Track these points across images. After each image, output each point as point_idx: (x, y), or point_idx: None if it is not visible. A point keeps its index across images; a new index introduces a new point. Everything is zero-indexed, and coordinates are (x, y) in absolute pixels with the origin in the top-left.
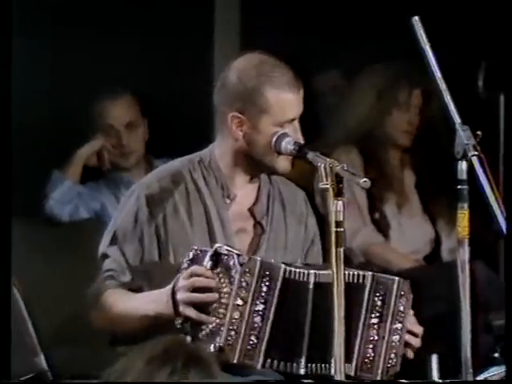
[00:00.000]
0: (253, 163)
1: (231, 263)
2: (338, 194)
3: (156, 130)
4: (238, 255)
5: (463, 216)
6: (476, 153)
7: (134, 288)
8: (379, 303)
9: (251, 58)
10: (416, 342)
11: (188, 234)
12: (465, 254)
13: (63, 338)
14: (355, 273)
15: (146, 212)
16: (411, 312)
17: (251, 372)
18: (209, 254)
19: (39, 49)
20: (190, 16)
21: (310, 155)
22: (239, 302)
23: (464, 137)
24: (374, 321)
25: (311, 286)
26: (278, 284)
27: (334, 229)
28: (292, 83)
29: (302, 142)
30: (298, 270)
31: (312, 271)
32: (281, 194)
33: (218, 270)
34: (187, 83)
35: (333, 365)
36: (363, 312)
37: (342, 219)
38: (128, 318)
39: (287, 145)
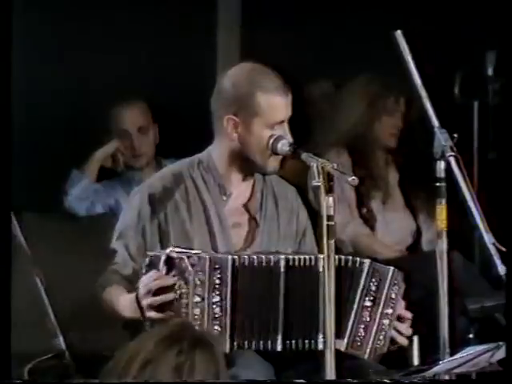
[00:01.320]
0: (246, 163)
1: (183, 265)
2: (329, 190)
3: (165, 134)
4: (189, 257)
5: (441, 210)
6: (453, 153)
7: (135, 281)
8: (374, 288)
9: (244, 66)
10: (405, 328)
11: (188, 229)
12: (443, 244)
13: (80, 321)
14: (356, 259)
15: (149, 209)
16: (402, 301)
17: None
18: (162, 259)
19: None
20: (196, 30)
21: (304, 156)
22: (197, 299)
23: (442, 139)
24: (368, 304)
25: (282, 270)
26: (228, 275)
27: (325, 222)
28: (281, 88)
29: (291, 142)
30: (254, 256)
31: (281, 256)
32: (273, 191)
33: (174, 272)
34: (193, 92)
35: (320, 340)
36: (359, 294)
37: (332, 214)
38: (120, 316)
39: (283, 146)
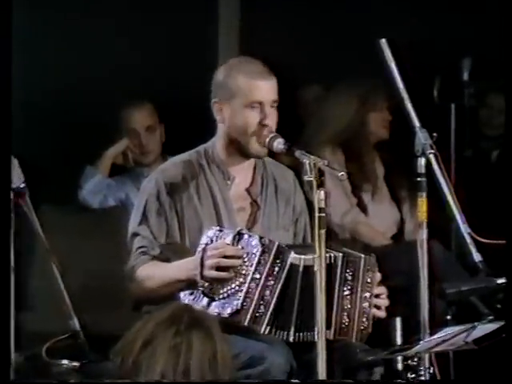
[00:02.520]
0: (237, 145)
1: (252, 242)
2: (321, 185)
3: (170, 133)
4: (261, 237)
5: (422, 203)
6: (432, 151)
7: (164, 259)
8: (350, 278)
9: (233, 60)
10: (382, 302)
11: (198, 211)
12: (423, 234)
13: (93, 304)
14: (329, 254)
15: (166, 194)
16: (378, 280)
17: (253, 337)
18: (232, 234)
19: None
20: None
21: (297, 153)
22: (257, 275)
23: (422, 138)
24: (347, 292)
25: (301, 269)
26: (287, 266)
27: (317, 214)
28: (262, 73)
29: (273, 126)
30: (301, 256)
31: (302, 256)
32: (273, 175)
33: (239, 247)
34: (196, 95)
35: (316, 332)
36: (337, 286)
37: (323, 206)
38: (164, 285)
39: (278, 145)
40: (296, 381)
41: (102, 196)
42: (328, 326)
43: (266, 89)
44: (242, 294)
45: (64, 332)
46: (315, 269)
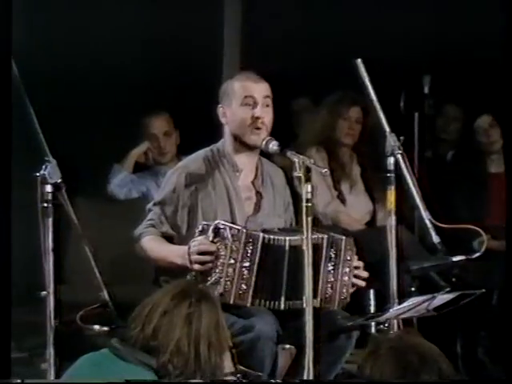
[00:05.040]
0: (240, 140)
1: (225, 234)
2: (308, 180)
3: (184, 137)
4: (231, 228)
5: (391, 194)
6: (400, 151)
7: (167, 236)
8: (333, 255)
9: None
10: (362, 273)
11: (213, 200)
12: (392, 220)
13: (119, 278)
14: (315, 236)
15: (183, 184)
16: (356, 258)
17: (247, 312)
18: (211, 228)
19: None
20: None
21: (288, 153)
22: (232, 261)
23: (391, 140)
24: (330, 268)
25: (287, 248)
26: (259, 247)
27: (304, 204)
28: (254, 78)
29: (266, 119)
30: (274, 236)
31: (287, 237)
32: (269, 173)
33: (217, 239)
34: (206, 104)
35: (304, 300)
36: (322, 262)
37: (310, 197)
38: (160, 260)
39: (273, 146)
40: (297, 381)
41: (127, 189)
42: (314, 296)
43: (257, 88)
44: (222, 280)
45: (95, 302)
46: (303, 248)
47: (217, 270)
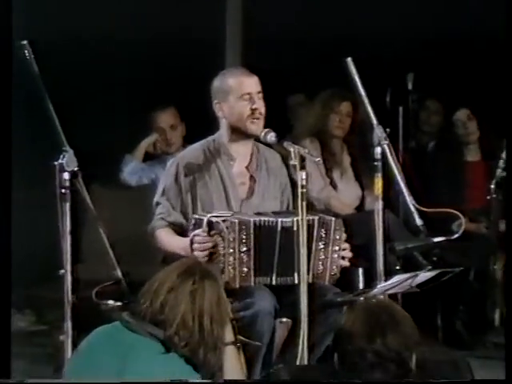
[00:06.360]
0: (237, 131)
1: (220, 227)
2: (302, 168)
3: (189, 129)
4: (224, 221)
5: (378, 181)
6: (386, 142)
7: (177, 224)
8: (323, 235)
9: (223, 71)
10: (347, 254)
11: (209, 187)
12: (379, 205)
13: (131, 258)
14: (308, 217)
15: (183, 175)
16: (344, 237)
17: (247, 290)
18: (204, 223)
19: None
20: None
21: (285, 144)
22: (231, 250)
23: (378, 132)
24: (321, 246)
25: (279, 229)
26: (251, 232)
27: (299, 190)
28: (245, 73)
29: (262, 109)
30: (265, 218)
31: (279, 219)
32: (265, 157)
33: (213, 231)
34: (208, 100)
35: (296, 276)
36: (314, 241)
37: (305, 183)
38: (169, 251)
39: (271, 137)
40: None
41: (138, 177)
42: (307, 272)
43: (251, 83)
44: (226, 269)
45: (109, 279)
46: (294, 229)
47: (220, 261)
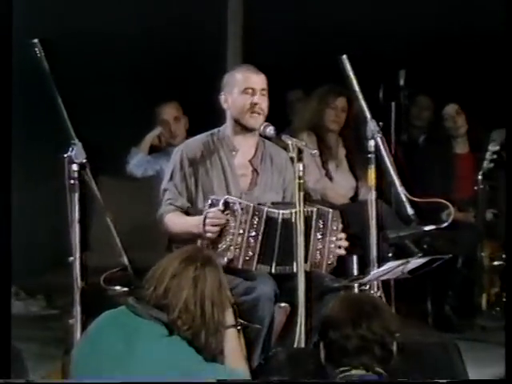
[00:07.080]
0: (240, 124)
1: (235, 207)
2: (300, 159)
3: (192, 122)
4: (240, 203)
5: (371, 172)
6: (379, 135)
7: (184, 209)
8: (321, 226)
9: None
10: (344, 243)
11: (211, 176)
12: (372, 195)
13: (137, 245)
14: (306, 209)
15: (187, 162)
16: (340, 228)
17: (249, 276)
18: (221, 202)
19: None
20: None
21: (283, 137)
22: (241, 231)
23: (372, 126)
24: (319, 237)
25: (280, 220)
26: (263, 220)
27: (297, 181)
28: (253, 70)
29: (263, 105)
30: (273, 209)
31: (280, 211)
32: (270, 153)
33: (227, 211)
34: (211, 93)
35: (294, 265)
36: (312, 231)
37: (302, 175)
38: (182, 232)
39: (270, 131)
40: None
41: (143, 168)
42: (305, 261)
43: (257, 79)
44: (232, 247)
45: (116, 266)
46: (292, 220)
47: (227, 239)
